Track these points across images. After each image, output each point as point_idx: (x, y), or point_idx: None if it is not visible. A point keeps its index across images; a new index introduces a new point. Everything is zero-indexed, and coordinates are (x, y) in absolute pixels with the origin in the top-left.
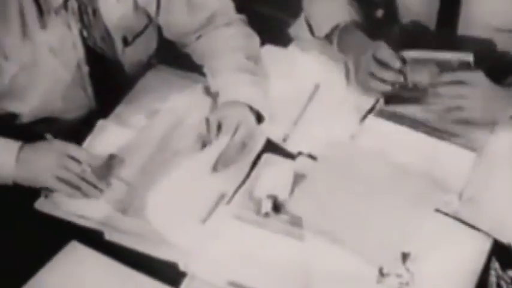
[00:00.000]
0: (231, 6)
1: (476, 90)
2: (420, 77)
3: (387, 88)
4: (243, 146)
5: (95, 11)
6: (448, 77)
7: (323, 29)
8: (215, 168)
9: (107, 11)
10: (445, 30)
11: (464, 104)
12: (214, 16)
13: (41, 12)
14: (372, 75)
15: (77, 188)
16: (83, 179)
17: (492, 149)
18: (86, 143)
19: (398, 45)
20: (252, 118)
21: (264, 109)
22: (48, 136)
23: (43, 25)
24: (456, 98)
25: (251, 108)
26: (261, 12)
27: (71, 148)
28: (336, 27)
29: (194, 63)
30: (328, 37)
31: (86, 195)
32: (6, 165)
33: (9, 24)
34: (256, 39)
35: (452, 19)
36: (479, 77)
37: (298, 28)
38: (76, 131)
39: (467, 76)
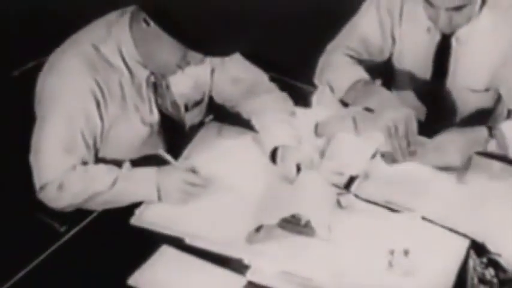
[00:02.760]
0: (265, 76)
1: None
2: None
3: None
4: None
5: (168, 86)
6: None
7: (343, 86)
8: None
9: (176, 86)
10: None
11: None
12: (253, 86)
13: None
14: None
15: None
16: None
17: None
18: None
19: None
20: None
21: None
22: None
23: (135, 91)
24: None
25: None
26: (282, 80)
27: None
28: (356, 82)
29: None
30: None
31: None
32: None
33: (113, 85)
34: (290, 101)
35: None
36: None
37: (320, 95)
38: None
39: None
